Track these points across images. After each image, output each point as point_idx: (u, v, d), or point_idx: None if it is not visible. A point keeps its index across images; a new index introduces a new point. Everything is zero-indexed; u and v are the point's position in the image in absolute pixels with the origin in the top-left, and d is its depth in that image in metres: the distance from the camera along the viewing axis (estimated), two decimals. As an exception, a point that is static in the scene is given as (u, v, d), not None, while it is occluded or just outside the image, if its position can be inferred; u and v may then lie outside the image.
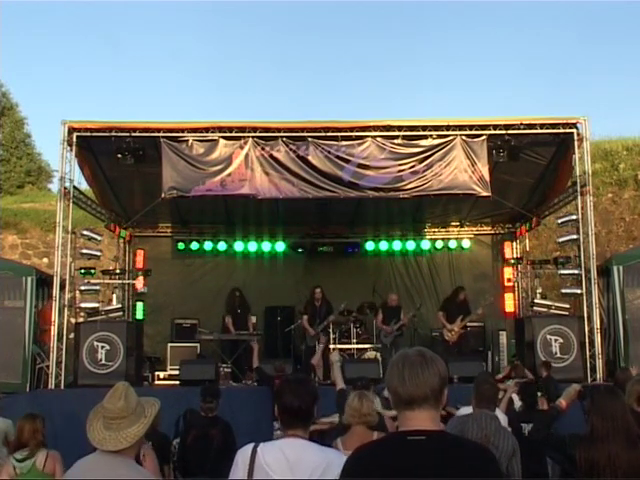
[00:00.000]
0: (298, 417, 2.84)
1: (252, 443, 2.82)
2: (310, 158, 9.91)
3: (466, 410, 4.76)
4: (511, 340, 12.13)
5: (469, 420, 4.25)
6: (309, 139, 9.94)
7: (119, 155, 10.09)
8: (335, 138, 10.01)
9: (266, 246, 13.72)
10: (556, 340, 9.86)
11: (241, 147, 9.93)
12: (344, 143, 10.00)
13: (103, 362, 9.59)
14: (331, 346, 11.91)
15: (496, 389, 4.64)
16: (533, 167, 11.17)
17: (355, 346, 12.30)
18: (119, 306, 11.01)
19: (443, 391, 2.23)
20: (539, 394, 7.12)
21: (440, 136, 10.07)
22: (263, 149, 9.92)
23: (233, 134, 10.01)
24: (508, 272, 13.68)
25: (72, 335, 10.07)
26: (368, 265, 13.95)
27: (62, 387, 9.60)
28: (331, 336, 11.99)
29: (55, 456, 5.07)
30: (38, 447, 5.06)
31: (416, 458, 2.12)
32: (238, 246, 13.69)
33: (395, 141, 10.04)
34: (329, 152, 9.93)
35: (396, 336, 11.61)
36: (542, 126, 10.17)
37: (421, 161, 10.01)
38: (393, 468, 2.12)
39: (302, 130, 10.01)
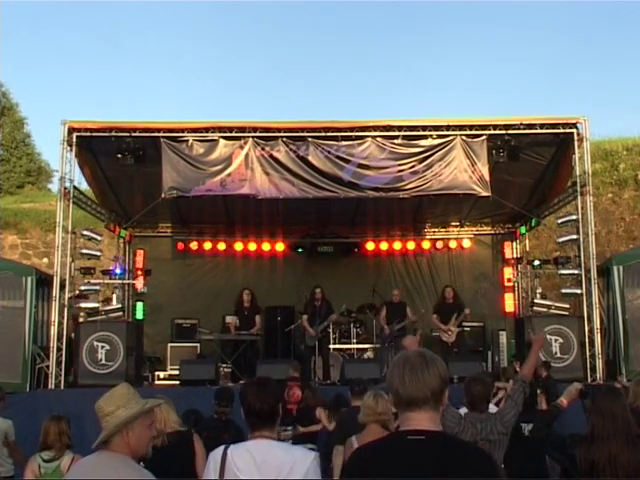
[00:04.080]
0: (263, 418, 2.92)
1: (223, 445, 2.90)
2: (310, 158, 9.91)
3: (465, 411, 4.75)
4: (511, 340, 12.13)
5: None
6: (309, 139, 9.94)
7: (119, 155, 10.09)
8: (335, 138, 10.01)
9: (266, 246, 13.72)
10: (556, 340, 9.86)
11: (241, 147, 9.93)
12: (344, 143, 10.01)
13: (103, 362, 9.59)
14: (331, 346, 11.93)
15: (488, 387, 4.63)
16: (533, 167, 11.17)
17: (355, 346, 12.31)
18: (119, 306, 11.00)
19: (443, 392, 2.25)
20: (538, 391, 7.12)
21: (440, 136, 10.07)
22: (263, 149, 9.93)
23: (233, 134, 10.02)
24: (508, 272, 13.69)
25: (72, 335, 10.08)
26: (368, 265, 13.95)
27: (62, 387, 9.61)
28: (331, 336, 11.99)
29: (80, 459, 5.04)
30: (64, 449, 5.04)
31: (415, 458, 2.14)
32: (238, 246, 13.70)
33: (395, 141, 10.04)
34: (329, 152, 9.94)
35: (395, 337, 11.45)
36: (542, 126, 10.17)
37: (421, 161, 10.01)
38: (393, 467, 2.14)
39: (302, 130, 10.02)
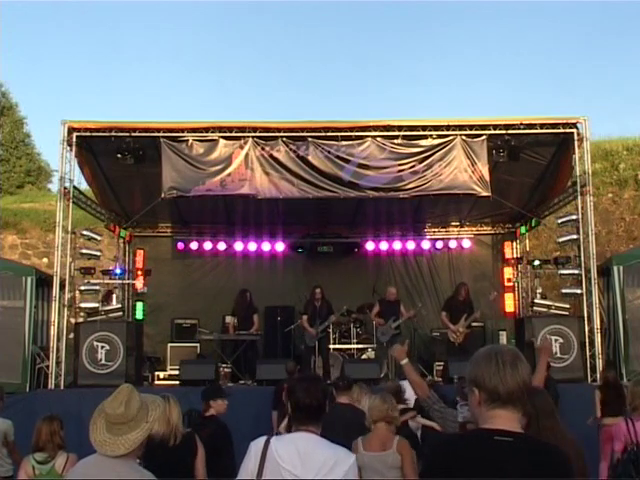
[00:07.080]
0: (310, 413, 2.94)
1: (265, 435, 2.93)
2: (310, 158, 9.91)
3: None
4: (511, 340, 12.12)
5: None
6: (309, 139, 9.94)
7: (119, 155, 10.10)
8: (335, 138, 10.01)
9: (266, 246, 13.72)
10: (556, 340, 9.86)
11: (241, 147, 9.93)
12: (344, 143, 10.00)
13: (103, 362, 9.59)
14: (331, 346, 11.92)
15: None
16: (533, 167, 11.16)
17: (355, 346, 12.31)
18: (119, 306, 11.01)
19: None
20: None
21: (440, 136, 10.08)
22: (263, 149, 9.93)
23: (233, 134, 10.02)
24: (508, 272, 13.68)
25: (72, 335, 10.08)
26: (368, 265, 13.94)
27: (62, 387, 9.61)
28: (331, 336, 11.98)
29: (75, 459, 5.02)
30: (56, 450, 5.00)
31: (503, 459, 2.11)
32: (238, 246, 13.69)
33: (395, 141, 10.05)
34: (329, 152, 9.94)
35: (393, 335, 11.33)
36: (542, 126, 10.18)
37: (421, 161, 10.01)
38: (479, 468, 2.11)
39: (302, 130, 10.02)
